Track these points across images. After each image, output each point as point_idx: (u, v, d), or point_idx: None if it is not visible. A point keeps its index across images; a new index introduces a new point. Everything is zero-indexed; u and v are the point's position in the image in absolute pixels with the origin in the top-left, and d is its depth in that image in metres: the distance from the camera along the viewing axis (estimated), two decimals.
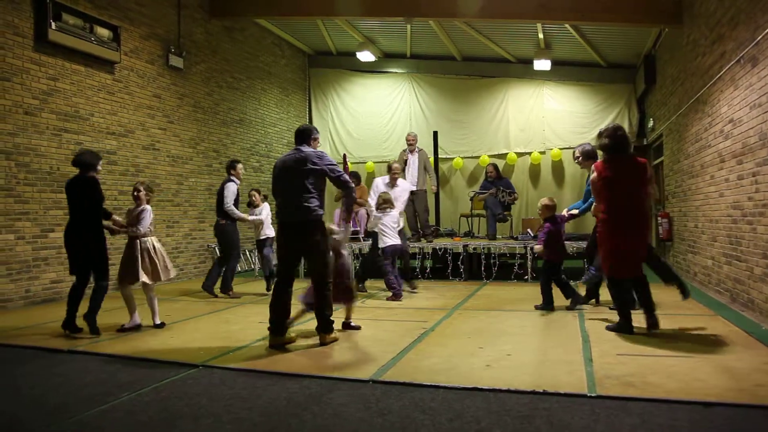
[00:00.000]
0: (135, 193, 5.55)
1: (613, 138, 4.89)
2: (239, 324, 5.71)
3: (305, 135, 4.94)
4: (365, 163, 13.39)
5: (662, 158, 10.47)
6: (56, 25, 7.24)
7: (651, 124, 11.36)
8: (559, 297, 6.16)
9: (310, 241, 4.76)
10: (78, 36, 7.55)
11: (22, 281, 6.91)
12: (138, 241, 5.39)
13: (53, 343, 4.89)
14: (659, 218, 9.87)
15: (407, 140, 9.63)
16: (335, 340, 4.86)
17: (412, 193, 9.25)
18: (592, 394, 3.32)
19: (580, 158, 6.30)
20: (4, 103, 6.80)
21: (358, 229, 9.41)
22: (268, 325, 4.74)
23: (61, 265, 7.36)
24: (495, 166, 10.74)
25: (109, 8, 8.20)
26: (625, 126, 11.90)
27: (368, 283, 7.91)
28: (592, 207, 5.49)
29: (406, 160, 9.48)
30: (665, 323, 5.32)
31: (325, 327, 4.83)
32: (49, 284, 7.23)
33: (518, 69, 12.59)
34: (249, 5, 10.35)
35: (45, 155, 7.27)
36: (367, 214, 9.39)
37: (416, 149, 9.53)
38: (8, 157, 6.82)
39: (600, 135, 5.01)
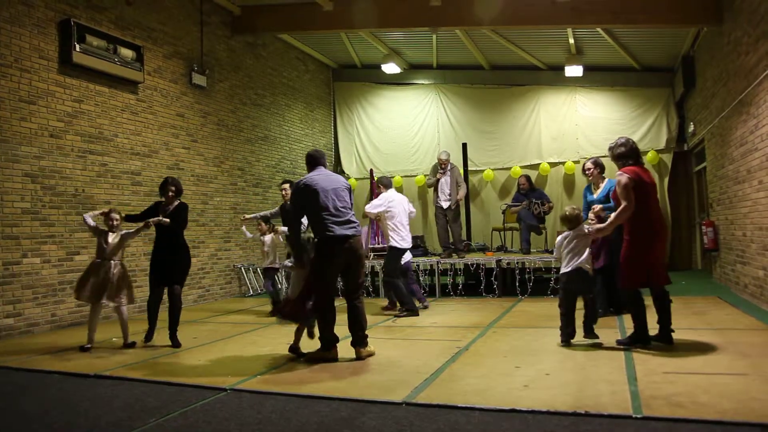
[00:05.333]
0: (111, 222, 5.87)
1: (629, 147, 4.92)
2: (267, 346, 5.59)
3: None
4: (393, 177, 13.14)
5: (704, 164, 10.03)
6: (80, 47, 7.24)
7: (691, 128, 10.90)
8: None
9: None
10: (102, 57, 7.54)
11: (48, 305, 6.85)
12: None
13: (80, 368, 4.83)
14: (703, 227, 9.42)
15: (440, 163, 9.23)
16: (371, 354, 4.90)
17: (446, 209, 9.04)
18: (638, 415, 3.15)
19: (593, 169, 6.56)
20: (29, 126, 6.80)
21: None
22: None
23: None
24: (527, 178, 10.43)
25: (133, 28, 8.20)
26: (664, 131, 11.49)
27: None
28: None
29: (438, 179, 9.19)
30: (715, 338, 5.04)
31: (358, 341, 4.89)
32: (75, 308, 7.15)
33: (549, 76, 12.24)
34: (271, 21, 10.26)
35: (70, 177, 7.24)
36: None
37: (448, 168, 9.25)
38: (34, 180, 6.80)
39: (614, 146, 4.99)
